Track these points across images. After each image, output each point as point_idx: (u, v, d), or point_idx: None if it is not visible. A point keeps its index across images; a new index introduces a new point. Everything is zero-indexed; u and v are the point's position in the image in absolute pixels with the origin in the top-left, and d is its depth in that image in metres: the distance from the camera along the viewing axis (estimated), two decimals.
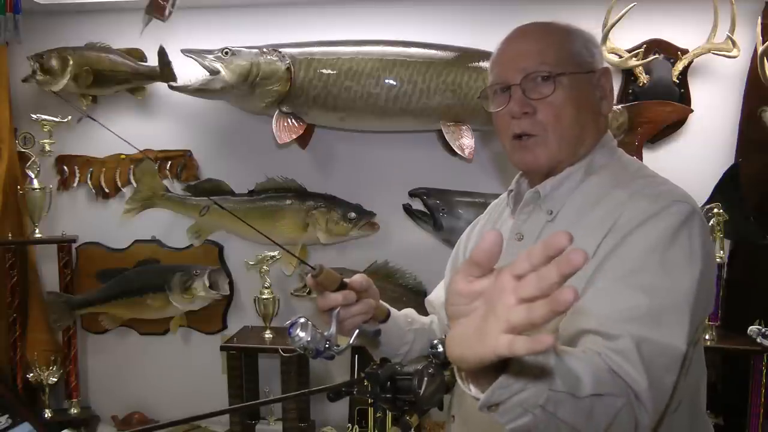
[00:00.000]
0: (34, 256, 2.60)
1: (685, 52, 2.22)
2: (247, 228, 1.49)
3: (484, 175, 2.36)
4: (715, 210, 2.04)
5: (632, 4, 2.06)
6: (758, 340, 2.02)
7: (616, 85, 2.21)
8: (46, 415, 2.46)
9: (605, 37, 2.12)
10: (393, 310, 1.25)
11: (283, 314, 2.40)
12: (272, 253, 2.33)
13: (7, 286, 2.43)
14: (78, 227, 2.55)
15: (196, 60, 2.19)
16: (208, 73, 2.19)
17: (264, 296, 2.36)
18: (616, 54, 2.19)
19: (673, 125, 2.25)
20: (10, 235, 2.44)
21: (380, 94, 2.19)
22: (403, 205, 2.38)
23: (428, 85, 2.18)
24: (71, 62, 2.31)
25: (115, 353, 2.64)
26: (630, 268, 0.91)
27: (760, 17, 2.12)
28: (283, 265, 2.40)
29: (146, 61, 2.42)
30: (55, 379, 2.49)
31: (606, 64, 1.14)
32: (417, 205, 2.37)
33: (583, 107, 1.06)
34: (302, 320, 1.03)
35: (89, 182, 2.56)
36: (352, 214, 2.35)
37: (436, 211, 2.30)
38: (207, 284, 2.32)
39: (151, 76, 2.38)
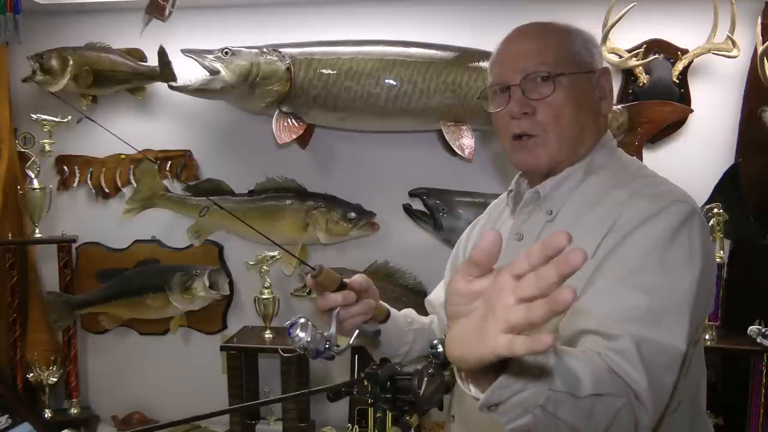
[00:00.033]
0: (34, 256, 2.60)
1: (685, 52, 2.22)
2: (247, 228, 1.49)
3: (484, 175, 2.36)
4: (715, 210, 2.04)
5: (632, 4, 2.05)
6: (758, 340, 2.02)
7: (616, 85, 2.22)
8: (46, 415, 2.46)
9: (605, 37, 2.12)
10: (393, 311, 1.25)
11: (283, 314, 2.41)
12: (272, 253, 2.33)
13: (7, 286, 2.43)
14: (78, 227, 2.55)
15: (196, 60, 2.19)
16: (208, 73, 2.19)
17: (264, 296, 2.36)
18: (616, 54, 2.19)
19: (673, 125, 2.25)
20: (10, 235, 2.44)
21: (380, 94, 2.19)
22: (403, 205, 2.38)
23: (428, 85, 2.18)
24: (71, 62, 2.31)
25: (115, 353, 2.64)
26: (630, 268, 0.91)
27: (760, 17, 2.12)
28: (283, 265, 2.40)
29: (146, 61, 2.42)
30: (55, 379, 2.49)
31: (605, 64, 1.14)
32: (417, 205, 2.37)
33: (582, 107, 1.06)
34: (302, 320, 1.03)
35: (89, 182, 2.56)
36: (352, 214, 2.35)
37: (436, 211, 2.30)
38: (207, 284, 2.32)
39: (151, 76, 2.38)
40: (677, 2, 2.23)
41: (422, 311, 1.36)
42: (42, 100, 2.46)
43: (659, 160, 2.24)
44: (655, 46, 2.23)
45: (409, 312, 1.30)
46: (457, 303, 0.68)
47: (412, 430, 0.90)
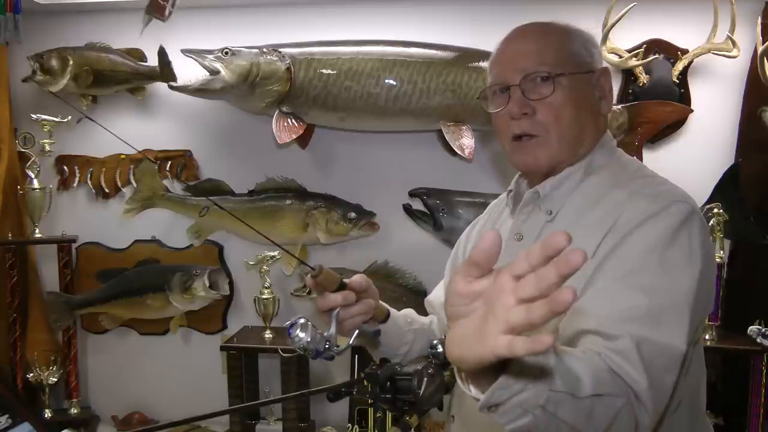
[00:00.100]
0: (34, 256, 2.60)
1: (685, 52, 2.21)
2: (247, 228, 1.49)
3: (484, 175, 2.36)
4: (715, 210, 2.04)
5: (632, 4, 2.05)
6: (758, 340, 2.02)
7: (616, 85, 2.22)
8: (46, 415, 2.46)
9: (605, 37, 2.11)
10: (393, 311, 1.25)
11: (283, 314, 2.40)
12: (272, 253, 2.33)
13: (7, 286, 2.43)
14: (78, 227, 2.55)
15: (196, 60, 2.19)
16: (208, 73, 2.19)
17: (264, 296, 2.36)
18: (616, 54, 2.19)
19: (673, 125, 2.25)
20: (10, 235, 2.44)
21: (380, 94, 2.19)
22: (403, 205, 2.38)
23: (428, 85, 2.18)
24: (71, 62, 2.31)
25: (115, 353, 2.64)
26: (629, 268, 0.91)
27: (760, 17, 2.12)
28: (283, 265, 2.40)
29: (146, 61, 2.42)
30: (55, 379, 2.49)
31: (605, 64, 1.14)
32: (417, 205, 2.37)
33: (582, 107, 1.06)
34: (302, 321, 1.03)
35: (89, 182, 2.56)
36: (352, 214, 2.35)
37: (436, 211, 2.30)
38: (207, 284, 2.32)
39: (151, 76, 2.38)
40: (677, 2, 2.23)
41: (422, 311, 1.36)
42: (42, 100, 2.46)
43: (659, 160, 2.24)
44: (655, 46, 2.23)
45: (409, 312, 1.30)
46: (457, 303, 0.67)
47: (412, 430, 0.90)
